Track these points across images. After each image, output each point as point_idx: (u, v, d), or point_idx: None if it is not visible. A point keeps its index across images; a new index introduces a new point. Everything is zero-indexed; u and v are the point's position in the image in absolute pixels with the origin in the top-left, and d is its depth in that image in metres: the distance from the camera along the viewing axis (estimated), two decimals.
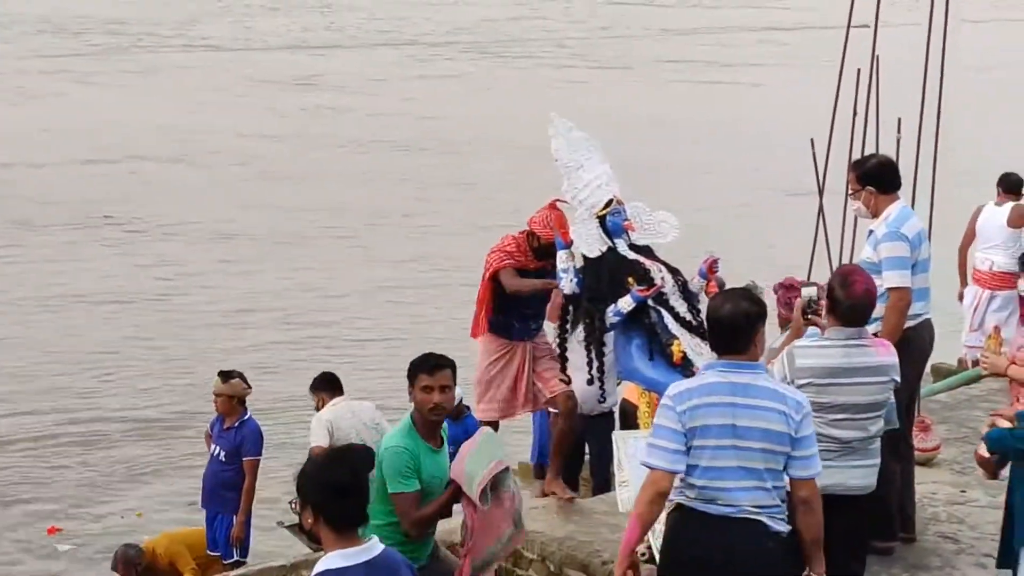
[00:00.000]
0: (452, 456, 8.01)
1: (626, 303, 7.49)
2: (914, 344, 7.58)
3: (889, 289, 7.41)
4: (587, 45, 46.65)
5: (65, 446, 14.85)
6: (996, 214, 12.62)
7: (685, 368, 7.25)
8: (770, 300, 6.77)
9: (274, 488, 12.14)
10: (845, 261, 9.02)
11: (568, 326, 7.91)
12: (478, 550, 6.64)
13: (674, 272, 7.70)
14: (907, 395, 7.66)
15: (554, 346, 8.22)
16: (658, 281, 7.55)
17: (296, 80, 38.54)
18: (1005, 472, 6.90)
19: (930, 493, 8.70)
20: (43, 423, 15.37)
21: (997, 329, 8.77)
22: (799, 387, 6.28)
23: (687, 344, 7.40)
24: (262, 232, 23.30)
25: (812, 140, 9.53)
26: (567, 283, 7.74)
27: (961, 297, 12.91)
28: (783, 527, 5.73)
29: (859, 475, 6.66)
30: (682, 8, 55.26)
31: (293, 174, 27.66)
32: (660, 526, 6.26)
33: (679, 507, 5.81)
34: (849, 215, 8.83)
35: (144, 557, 10.71)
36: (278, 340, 17.91)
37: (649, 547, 7.52)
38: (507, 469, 6.65)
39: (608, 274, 7.61)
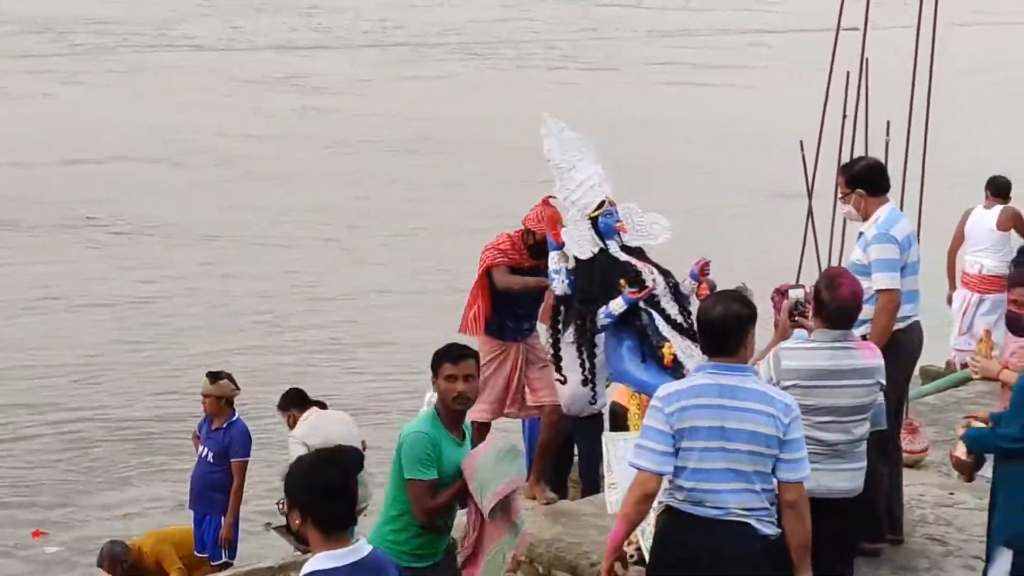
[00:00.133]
0: None
1: (617, 305, 7.49)
2: (903, 346, 7.59)
3: (878, 291, 7.42)
4: (576, 47, 46.65)
5: (49, 449, 14.78)
6: (985, 217, 12.64)
7: (676, 370, 7.25)
8: (762, 304, 6.76)
9: (262, 489, 12.11)
10: (834, 263, 9.03)
11: (560, 327, 7.90)
12: (483, 549, 6.62)
13: (665, 274, 7.70)
14: (896, 397, 7.67)
15: (547, 347, 8.21)
16: (649, 283, 7.55)
17: (282, 80, 38.46)
18: (980, 474, 6.91)
19: (918, 495, 8.72)
20: (26, 425, 15.30)
21: (988, 333, 8.76)
22: (784, 388, 6.28)
23: (678, 346, 7.40)
24: (247, 233, 23.21)
25: (801, 142, 9.55)
26: (559, 284, 7.74)
27: (950, 300, 12.92)
28: (772, 530, 5.73)
29: (845, 478, 6.67)
30: (670, 11, 55.27)
31: (279, 175, 27.58)
32: (649, 527, 6.25)
33: (668, 509, 5.81)
34: (838, 217, 8.85)
35: (130, 554, 10.69)
36: (263, 343, 17.82)
37: (638, 548, 7.52)
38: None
39: (600, 276, 7.61)
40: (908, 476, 8.39)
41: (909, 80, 9.41)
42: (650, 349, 7.46)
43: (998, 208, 12.62)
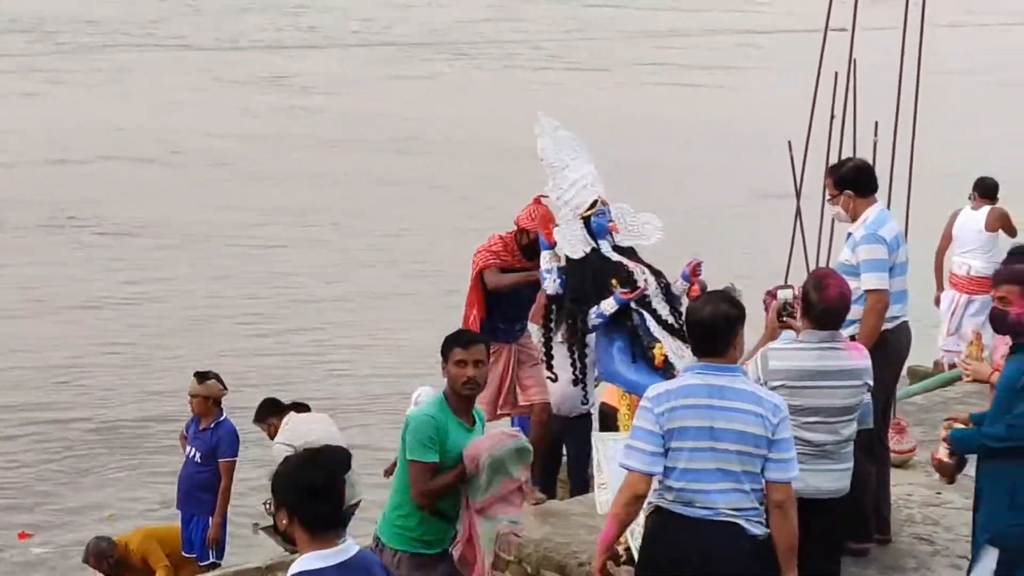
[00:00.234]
0: None
1: (609, 305, 7.48)
2: (891, 346, 7.61)
3: (867, 291, 7.44)
4: (563, 47, 46.65)
5: (33, 450, 14.74)
6: (973, 218, 12.66)
7: (667, 371, 7.23)
8: (751, 304, 6.75)
9: (249, 488, 12.10)
10: (823, 263, 9.03)
11: (552, 325, 7.89)
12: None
13: (657, 274, 7.69)
14: (883, 397, 7.68)
15: (539, 346, 8.20)
16: (641, 284, 7.54)
17: (270, 80, 38.38)
18: (964, 473, 6.91)
19: (905, 495, 8.73)
20: (9, 426, 15.25)
21: (979, 336, 8.78)
22: (772, 389, 6.28)
23: (669, 347, 7.39)
24: (234, 234, 23.13)
25: (790, 143, 9.55)
26: (550, 283, 7.73)
27: (937, 301, 12.94)
28: (760, 530, 5.74)
29: (832, 479, 6.67)
30: (659, 11, 55.27)
31: (266, 175, 27.51)
32: (639, 527, 6.25)
33: (657, 509, 5.81)
34: (827, 218, 8.85)
35: (116, 550, 10.68)
36: (249, 345, 17.77)
37: (627, 548, 7.52)
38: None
39: (591, 276, 7.59)
40: (895, 476, 8.40)
41: (897, 81, 9.42)
42: (641, 350, 7.45)
43: (986, 209, 12.64)
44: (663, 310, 7.54)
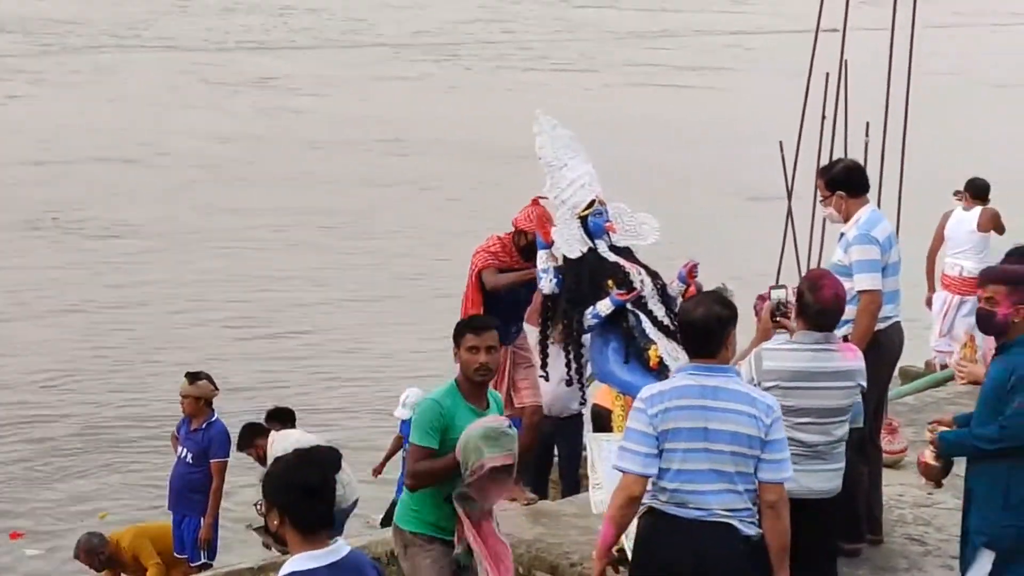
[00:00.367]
0: None
1: (605, 306, 7.47)
2: (884, 347, 7.61)
3: (860, 292, 7.44)
4: (552, 47, 46.63)
5: (19, 452, 14.71)
6: (965, 219, 12.65)
7: (661, 373, 7.22)
8: (743, 305, 6.75)
9: (240, 488, 12.08)
10: (813, 264, 9.04)
11: (548, 324, 7.89)
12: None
13: (653, 275, 7.69)
14: (876, 398, 7.68)
15: (536, 346, 8.20)
16: (637, 285, 7.53)
17: (256, 81, 38.29)
18: (955, 472, 6.89)
19: (897, 495, 8.73)
20: None
21: (972, 338, 8.76)
22: (765, 389, 6.27)
23: (664, 349, 7.38)
24: (220, 236, 23.04)
25: (781, 143, 9.56)
26: (546, 283, 7.73)
27: (929, 303, 12.93)
28: (753, 531, 5.74)
29: (824, 479, 6.66)
30: (650, 11, 55.30)
31: (251, 177, 27.46)
32: (633, 529, 6.24)
33: (650, 510, 5.80)
34: (818, 218, 8.85)
35: (108, 547, 10.67)
36: (234, 347, 17.69)
37: (621, 549, 7.51)
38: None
39: (588, 276, 7.59)
40: (887, 476, 8.40)
41: (886, 82, 9.44)
42: (636, 351, 7.45)
43: (978, 209, 12.63)
44: (659, 311, 7.53)
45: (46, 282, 20.22)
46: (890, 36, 9.69)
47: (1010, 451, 6.28)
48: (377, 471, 12.21)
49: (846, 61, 9.43)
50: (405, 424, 12.12)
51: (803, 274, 8.87)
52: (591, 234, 7.70)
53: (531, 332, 8.61)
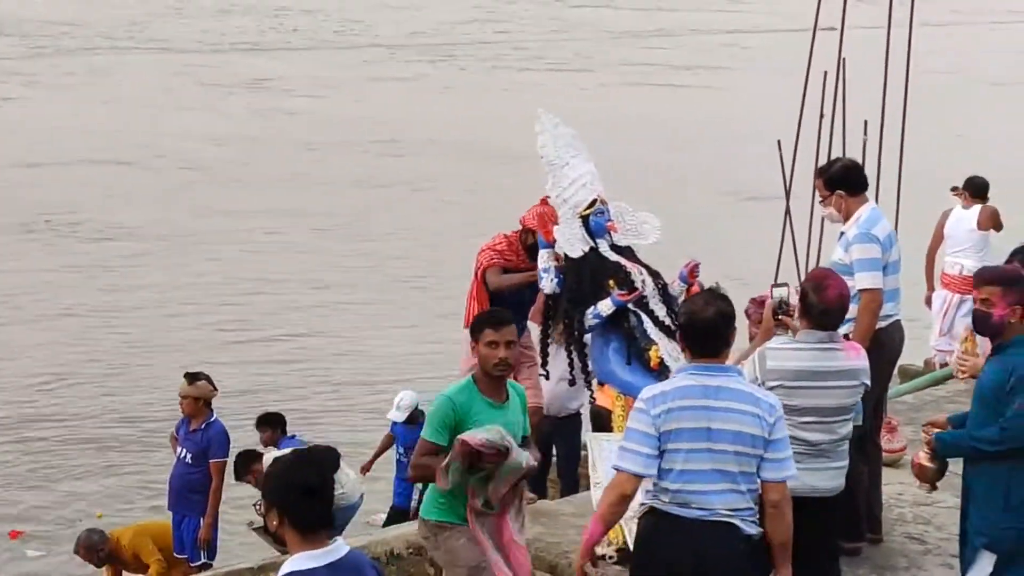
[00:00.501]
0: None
1: (606, 306, 7.45)
2: (885, 345, 7.61)
3: (861, 291, 7.43)
4: (547, 47, 46.62)
5: (15, 453, 14.70)
6: (964, 218, 12.63)
7: (662, 373, 7.20)
8: (737, 305, 6.74)
9: (241, 490, 12.06)
10: (812, 263, 9.02)
11: (550, 323, 7.87)
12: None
13: (654, 275, 7.67)
14: (876, 396, 7.67)
15: (536, 345, 8.19)
16: (639, 285, 7.51)
17: (251, 83, 38.26)
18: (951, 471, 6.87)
19: (896, 494, 8.72)
20: None
21: (973, 333, 8.72)
22: (769, 389, 6.26)
23: (665, 349, 7.36)
24: (215, 238, 23.00)
25: (779, 142, 9.55)
26: (547, 283, 7.71)
27: (928, 302, 12.92)
28: (755, 530, 5.73)
29: (828, 477, 6.66)
30: (643, 11, 55.28)
31: (247, 179, 27.41)
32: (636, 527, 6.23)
33: (652, 511, 5.78)
34: (816, 217, 8.84)
35: (108, 544, 10.69)
36: (228, 350, 17.67)
37: (619, 549, 7.51)
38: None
39: (589, 276, 7.57)
40: (886, 475, 8.39)
41: (883, 80, 9.44)
42: (637, 351, 7.43)
43: (977, 208, 12.60)
44: (660, 311, 7.51)
45: (40, 285, 20.19)
46: (887, 34, 9.68)
47: (1010, 452, 6.26)
48: (365, 469, 12.23)
49: (844, 59, 9.42)
50: (396, 425, 12.15)
51: (801, 273, 8.87)
52: (592, 233, 7.68)
53: (535, 331, 8.60)
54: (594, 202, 7.72)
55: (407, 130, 31.77)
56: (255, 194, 25.98)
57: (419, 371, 15.70)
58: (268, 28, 49.52)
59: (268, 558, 9.54)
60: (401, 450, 12.06)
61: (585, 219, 7.70)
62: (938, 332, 12.71)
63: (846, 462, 6.74)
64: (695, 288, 7.63)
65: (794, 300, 6.88)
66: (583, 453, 9.07)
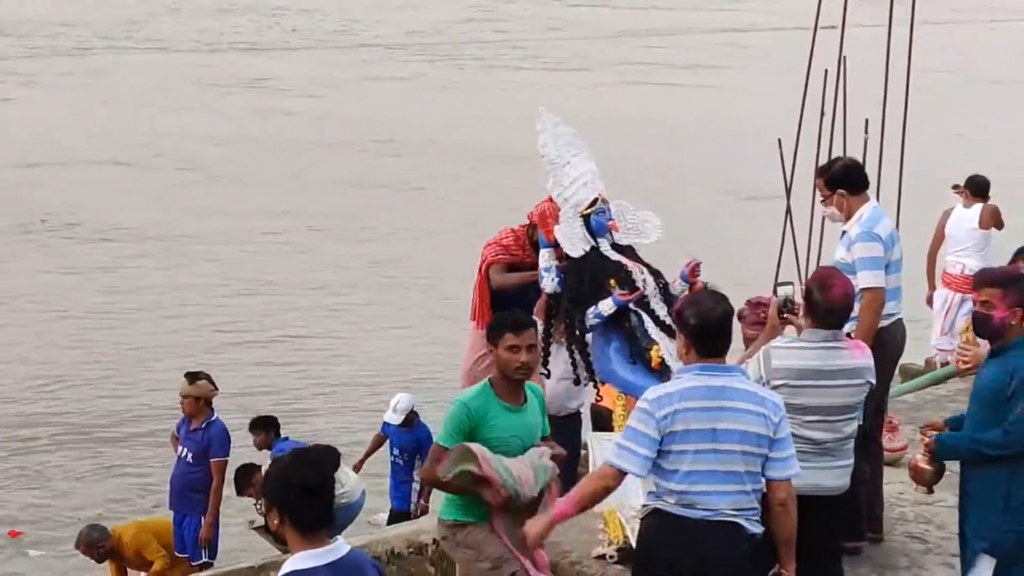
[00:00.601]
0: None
1: (607, 306, 7.43)
2: (886, 344, 7.60)
3: (863, 289, 7.41)
4: (545, 46, 46.57)
5: (19, 452, 14.69)
6: (965, 217, 12.61)
7: (663, 373, 7.18)
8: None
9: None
10: (812, 262, 9.01)
11: (551, 322, 7.86)
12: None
13: (656, 274, 7.65)
14: (878, 395, 7.65)
15: (539, 341, 8.16)
16: (640, 284, 7.49)
17: (249, 83, 38.20)
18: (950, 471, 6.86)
19: (897, 493, 8.70)
20: None
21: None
22: (774, 388, 6.26)
23: (666, 349, 7.34)
24: (213, 239, 22.96)
25: (780, 140, 9.53)
26: (548, 282, 7.69)
27: (930, 301, 12.90)
28: (758, 528, 5.73)
29: (833, 476, 6.65)
30: (641, 10, 55.24)
31: (244, 179, 27.37)
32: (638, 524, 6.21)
33: (655, 511, 5.76)
34: (816, 216, 8.83)
35: (109, 540, 10.70)
36: (225, 351, 17.65)
37: (619, 549, 7.49)
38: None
39: (590, 275, 7.55)
40: (887, 474, 8.37)
41: (884, 78, 9.42)
42: (638, 351, 7.41)
43: (978, 207, 12.59)
44: (661, 311, 7.49)
45: (39, 286, 20.17)
46: (888, 32, 9.66)
47: (1011, 455, 6.24)
48: (356, 468, 12.25)
49: (844, 58, 9.40)
50: (389, 426, 12.15)
51: (802, 273, 8.85)
52: (593, 232, 7.65)
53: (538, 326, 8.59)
54: (595, 201, 7.70)
55: (406, 130, 31.72)
56: (253, 194, 25.95)
57: (418, 372, 15.70)
58: (266, 28, 49.45)
59: (269, 557, 9.53)
60: (396, 452, 12.06)
61: (586, 218, 7.68)
62: (939, 331, 12.70)
63: (851, 461, 6.74)
64: (698, 287, 7.61)
65: (798, 299, 6.87)
66: (583, 452, 9.04)
